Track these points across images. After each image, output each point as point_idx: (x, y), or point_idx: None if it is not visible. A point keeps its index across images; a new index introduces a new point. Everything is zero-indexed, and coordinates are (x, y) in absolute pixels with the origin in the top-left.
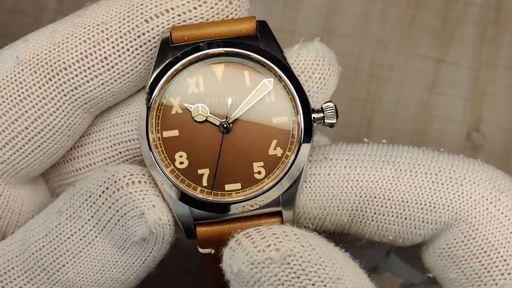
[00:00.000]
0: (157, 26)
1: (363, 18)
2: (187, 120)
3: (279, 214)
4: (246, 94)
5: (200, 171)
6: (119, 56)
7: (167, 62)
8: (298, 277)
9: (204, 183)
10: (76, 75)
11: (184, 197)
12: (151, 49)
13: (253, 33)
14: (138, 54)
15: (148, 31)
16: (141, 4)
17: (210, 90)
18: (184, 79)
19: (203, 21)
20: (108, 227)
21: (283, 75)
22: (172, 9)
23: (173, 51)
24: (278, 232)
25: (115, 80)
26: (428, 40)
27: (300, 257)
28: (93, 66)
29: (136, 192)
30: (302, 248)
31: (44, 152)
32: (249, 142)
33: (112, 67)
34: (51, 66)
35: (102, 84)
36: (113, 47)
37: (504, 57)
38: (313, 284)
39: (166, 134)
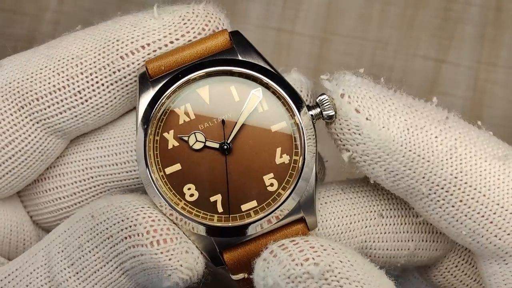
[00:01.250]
0: (133, 63)
1: (363, 18)
2: (186, 151)
3: (302, 220)
4: (238, 109)
5: (212, 199)
6: (93, 90)
7: (150, 98)
8: None
9: (220, 209)
10: (48, 106)
11: (203, 230)
12: (127, 85)
13: (228, 46)
14: (113, 89)
15: (123, 68)
16: (117, 40)
17: (201, 115)
18: (172, 110)
19: None
20: (131, 272)
21: (269, 81)
22: (148, 44)
23: (154, 85)
24: (316, 245)
25: (89, 113)
26: (428, 40)
27: (339, 273)
28: (65, 99)
29: (162, 253)
30: (341, 264)
31: (16, 177)
32: (254, 156)
33: (86, 100)
34: (23, 95)
35: (75, 116)
36: (87, 82)
37: (504, 57)
38: None
39: (169, 170)
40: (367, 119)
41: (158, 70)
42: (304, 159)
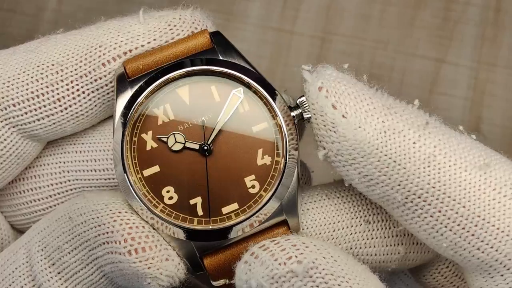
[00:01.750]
0: (114, 71)
1: (363, 18)
2: (165, 153)
3: (284, 223)
4: (219, 110)
5: (192, 202)
6: (74, 98)
7: (128, 99)
8: None
9: (200, 212)
10: (26, 113)
11: (183, 234)
12: (108, 93)
13: (209, 46)
14: (94, 96)
15: (105, 75)
16: (100, 46)
17: (180, 115)
18: (150, 110)
19: None
20: (111, 275)
21: (251, 81)
22: (131, 51)
23: (132, 85)
24: (298, 243)
25: (68, 121)
26: (428, 40)
27: (323, 269)
28: (44, 106)
29: (140, 262)
30: (324, 260)
31: None
32: (235, 157)
33: (66, 108)
34: None
35: (54, 123)
36: (68, 89)
37: (504, 57)
38: None
39: (147, 172)
40: (343, 116)
41: (136, 70)
42: (286, 160)
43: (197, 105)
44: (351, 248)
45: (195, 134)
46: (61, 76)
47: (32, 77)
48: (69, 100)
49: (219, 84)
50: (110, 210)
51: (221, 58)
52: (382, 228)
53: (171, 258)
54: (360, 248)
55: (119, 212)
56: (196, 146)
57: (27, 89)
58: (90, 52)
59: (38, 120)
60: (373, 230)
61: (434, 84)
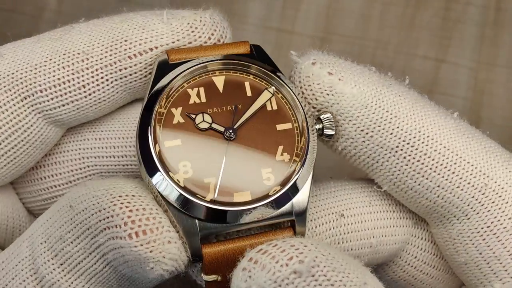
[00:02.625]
0: (140, 63)
1: (363, 18)
2: (190, 129)
3: (291, 227)
4: (249, 102)
5: (206, 180)
6: (98, 85)
7: (166, 75)
8: None
9: (212, 192)
10: (52, 99)
11: (191, 208)
12: (131, 82)
13: (249, 52)
14: (117, 84)
15: (130, 66)
16: (125, 40)
17: (212, 100)
18: (185, 90)
19: None
20: (114, 263)
21: (284, 84)
22: (156, 47)
23: (173, 68)
24: (296, 243)
25: (91, 106)
26: (428, 40)
27: (324, 266)
28: (69, 92)
29: (142, 245)
30: (324, 257)
31: (17, 166)
32: (255, 148)
33: (90, 94)
34: (26, 86)
35: (78, 108)
36: (92, 77)
37: (504, 57)
38: None
39: (168, 144)
40: (339, 79)
41: (179, 60)
42: (303, 163)
43: (229, 94)
44: (331, 244)
45: (222, 119)
46: (87, 64)
47: (58, 65)
48: (93, 87)
49: (252, 81)
50: (111, 195)
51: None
52: (355, 222)
53: (173, 241)
54: (338, 243)
55: (119, 196)
56: (221, 129)
57: (53, 76)
58: (116, 44)
59: (63, 105)
60: (348, 224)
61: (434, 84)
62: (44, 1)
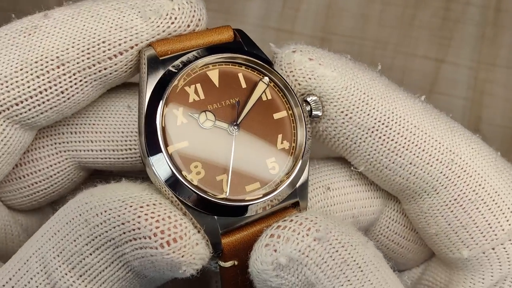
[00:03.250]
0: (121, 62)
1: (363, 18)
2: (194, 129)
3: (295, 205)
4: (245, 95)
5: (218, 178)
6: (77, 88)
7: (160, 76)
8: (337, 250)
9: (225, 188)
10: (29, 109)
11: (208, 207)
12: (111, 79)
13: (234, 39)
14: (97, 83)
15: (111, 66)
16: (103, 42)
17: (210, 96)
18: (182, 89)
19: None
20: (139, 269)
21: (275, 72)
22: (137, 45)
23: (164, 64)
24: (309, 216)
25: (70, 108)
26: (428, 40)
27: (335, 232)
28: (47, 100)
29: (174, 253)
30: (332, 224)
31: None
32: (258, 140)
33: (68, 98)
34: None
35: (57, 112)
36: (71, 81)
37: (504, 57)
38: (349, 253)
39: (176, 146)
40: (319, 64)
41: (165, 53)
42: (305, 147)
43: (226, 88)
44: None
45: (223, 115)
46: (63, 70)
47: (32, 75)
48: (72, 91)
49: (245, 72)
50: (131, 207)
51: (246, 49)
52: (340, 195)
53: (200, 242)
54: (326, 214)
55: (141, 207)
56: (225, 125)
57: (28, 87)
58: (93, 47)
59: (42, 113)
60: (334, 196)
61: (434, 84)
62: (44, 1)
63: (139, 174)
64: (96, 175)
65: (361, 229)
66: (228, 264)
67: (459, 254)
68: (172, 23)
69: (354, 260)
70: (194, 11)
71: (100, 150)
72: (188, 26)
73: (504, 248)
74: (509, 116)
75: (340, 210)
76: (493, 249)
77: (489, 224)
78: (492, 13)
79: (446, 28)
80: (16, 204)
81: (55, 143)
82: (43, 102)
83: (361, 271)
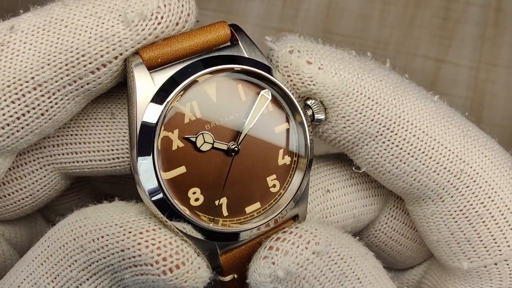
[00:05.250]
0: (106, 74)
1: (363, 18)
2: (191, 152)
3: (294, 218)
4: (245, 110)
5: (217, 202)
6: (58, 107)
7: (151, 98)
8: (336, 263)
9: (225, 213)
10: (8, 137)
11: (209, 234)
12: (94, 92)
13: (231, 40)
14: (79, 99)
15: (94, 80)
16: (83, 56)
17: (207, 114)
18: (177, 108)
19: None
20: None
21: (278, 82)
22: (121, 54)
23: (154, 80)
24: (309, 228)
25: (53, 127)
26: (428, 40)
27: (335, 244)
28: (27, 125)
29: (177, 279)
30: (332, 237)
31: None
32: (259, 158)
33: (50, 119)
34: None
35: (39, 133)
36: (50, 102)
37: (504, 57)
38: (348, 265)
39: (173, 173)
40: (319, 68)
41: (154, 60)
42: (308, 160)
43: (224, 104)
44: (320, 218)
45: (222, 134)
46: (41, 91)
47: (6, 100)
48: (53, 111)
49: (244, 83)
50: (130, 233)
51: (246, 55)
52: (339, 196)
53: (201, 265)
54: (327, 217)
55: (140, 233)
56: (224, 147)
57: (4, 114)
58: (72, 63)
59: (22, 138)
60: (333, 198)
61: (434, 84)
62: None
63: (128, 177)
64: (84, 179)
65: (362, 227)
66: (228, 278)
67: (459, 264)
68: (159, 23)
69: (353, 272)
70: (182, 5)
71: (86, 161)
72: (177, 24)
73: (508, 264)
74: (509, 116)
75: (340, 212)
76: (495, 264)
77: (494, 239)
78: (493, 13)
79: (447, 28)
80: (1, 218)
81: (38, 158)
82: (22, 128)
83: (360, 282)
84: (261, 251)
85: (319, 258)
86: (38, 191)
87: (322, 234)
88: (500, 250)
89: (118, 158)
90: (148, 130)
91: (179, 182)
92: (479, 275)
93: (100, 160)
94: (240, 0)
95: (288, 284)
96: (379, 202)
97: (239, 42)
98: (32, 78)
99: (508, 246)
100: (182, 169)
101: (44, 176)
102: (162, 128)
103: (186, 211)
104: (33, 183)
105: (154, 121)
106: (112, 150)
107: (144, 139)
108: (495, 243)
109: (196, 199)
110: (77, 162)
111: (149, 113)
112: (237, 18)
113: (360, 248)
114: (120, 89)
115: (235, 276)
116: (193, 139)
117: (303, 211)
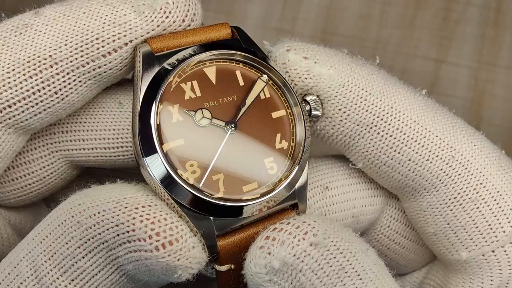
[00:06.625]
0: (116, 59)
1: (363, 18)
2: (190, 127)
3: (294, 207)
4: (243, 93)
5: (215, 177)
6: (71, 88)
7: (155, 73)
8: (335, 257)
9: (222, 188)
10: (23, 111)
11: (205, 208)
12: (106, 78)
13: (232, 37)
14: (91, 83)
15: (105, 64)
16: (97, 39)
17: (207, 93)
18: (178, 85)
19: None
20: (133, 272)
21: (273, 69)
22: (131, 41)
23: (160, 61)
24: (307, 220)
25: (65, 109)
26: (428, 40)
27: (334, 237)
28: (41, 101)
29: (169, 256)
30: (331, 229)
31: None
32: (256, 139)
33: (62, 99)
34: None
35: (51, 114)
36: (64, 81)
37: (504, 57)
38: (348, 260)
39: (172, 144)
40: (315, 62)
41: (160, 50)
42: (304, 147)
43: (223, 86)
44: (319, 215)
45: (220, 112)
46: (56, 69)
47: (24, 75)
48: (66, 91)
49: (243, 70)
50: (125, 208)
51: (244, 47)
52: (339, 194)
53: (196, 245)
54: (325, 215)
55: (136, 208)
56: (222, 123)
57: (21, 88)
58: (87, 44)
59: (35, 115)
60: (332, 196)
61: (434, 84)
62: (46, 2)
63: (132, 170)
64: (89, 173)
65: (362, 229)
66: (225, 268)
67: (457, 255)
68: (167, 17)
69: (353, 268)
70: (189, 5)
71: (92, 149)
72: (183, 21)
73: (505, 251)
74: (509, 116)
75: (339, 210)
76: (493, 251)
77: (489, 225)
78: (493, 13)
79: (447, 28)
80: (8, 204)
81: (47, 144)
82: (37, 104)
83: (360, 279)
84: (258, 241)
85: (317, 251)
86: (45, 177)
87: (320, 226)
88: (496, 236)
89: (122, 147)
90: (148, 103)
91: (177, 153)
92: (478, 265)
93: (105, 148)
94: (241, 1)
95: (284, 276)
96: (378, 203)
97: (239, 37)
98: (50, 56)
99: (504, 231)
100: (180, 141)
101: (52, 163)
102: (162, 102)
103: (182, 180)
104: (41, 169)
105: (153, 99)
106: (117, 138)
107: (144, 111)
108: (491, 229)
109: (193, 172)
110: (83, 149)
111: (150, 90)
112: (238, 19)
113: (361, 243)
114: (129, 82)
115: (232, 266)
116: (192, 114)
117: (303, 203)
